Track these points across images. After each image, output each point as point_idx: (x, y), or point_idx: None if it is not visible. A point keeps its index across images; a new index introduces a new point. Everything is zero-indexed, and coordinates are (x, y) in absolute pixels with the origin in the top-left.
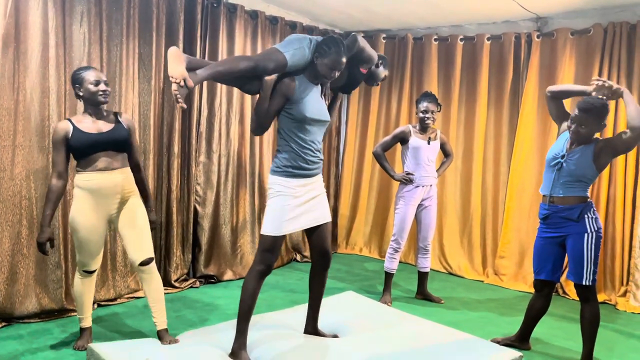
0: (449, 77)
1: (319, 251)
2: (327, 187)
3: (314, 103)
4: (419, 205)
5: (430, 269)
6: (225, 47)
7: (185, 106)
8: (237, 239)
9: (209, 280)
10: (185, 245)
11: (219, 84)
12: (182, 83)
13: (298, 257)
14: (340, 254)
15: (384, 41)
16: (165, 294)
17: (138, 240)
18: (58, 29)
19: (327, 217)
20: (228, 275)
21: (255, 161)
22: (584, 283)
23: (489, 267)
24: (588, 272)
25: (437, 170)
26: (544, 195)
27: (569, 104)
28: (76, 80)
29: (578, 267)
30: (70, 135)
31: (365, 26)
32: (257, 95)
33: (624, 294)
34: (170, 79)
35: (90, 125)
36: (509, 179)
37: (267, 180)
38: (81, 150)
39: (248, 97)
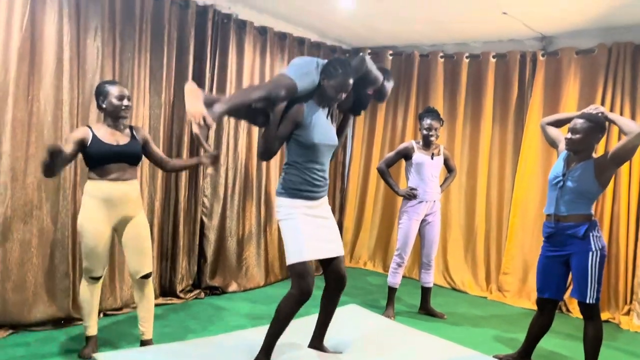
0: (455, 94)
1: (335, 277)
2: (333, 201)
3: (323, 127)
4: (423, 221)
5: (434, 284)
6: (235, 62)
7: (211, 149)
8: (242, 251)
9: (213, 291)
10: (191, 256)
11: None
12: (202, 122)
13: None
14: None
15: (391, 57)
16: (169, 304)
17: (141, 254)
18: (72, 42)
19: (342, 250)
20: (233, 287)
21: (262, 174)
22: (587, 301)
23: (493, 283)
24: (592, 291)
25: (441, 186)
26: (548, 215)
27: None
28: (101, 93)
29: (582, 285)
30: (89, 142)
31: (372, 42)
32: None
33: (628, 313)
34: (191, 118)
35: (108, 136)
36: (513, 195)
37: (274, 192)
38: (97, 159)
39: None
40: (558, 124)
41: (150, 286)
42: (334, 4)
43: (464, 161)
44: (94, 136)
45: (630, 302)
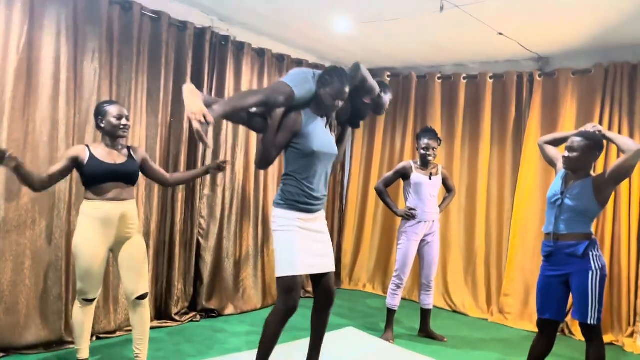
0: (452, 115)
1: (323, 290)
2: (331, 222)
3: (321, 136)
4: (422, 241)
5: (434, 307)
6: (233, 84)
7: (211, 146)
8: (239, 272)
9: (209, 314)
10: (187, 278)
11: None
12: (202, 119)
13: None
14: (344, 289)
15: (389, 79)
16: (165, 327)
17: (137, 275)
18: (70, 63)
19: (333, 266)
20: (229, 309)
21: (259, 195)
22: (589, 322)
23: (494, 305)
24: (593, 311)
25: (440, 206)
26: (547, 234)
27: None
28: (100, 112)
29: (583, 305)
30: (85, 160)
31: (369, 64)
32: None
33: (631, 335)
34: (190, 115)
35: (106, 155)
36: (513, 216)
37: (271, 213)
38: (94, 178)
39: (254, 133)
40: (556, 142)
41: (147, 307)
42: (332, 28)
43: (462, 182)
44: (91, 155)
45: (634, 323)
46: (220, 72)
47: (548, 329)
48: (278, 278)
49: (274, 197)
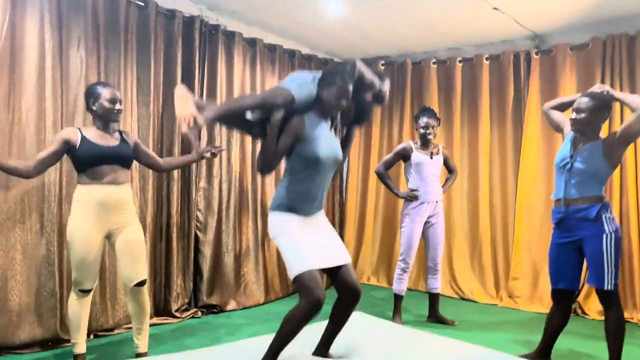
0: (450, 99)
1: (346, 288)
2: (332, 216)
3: (327, 140)
4: (426, 223)
5: (441, 295)
6: (225, 74)
7: (200, 150)
8: (240, 267)
9: (211, 310)
10: (186, 273)
11: None
12: (191, 123)
13: None
14: None
15: (383, 67)
16: (165, 324)
17: (135, 261)
18: (55, 52)
19: (348, 258)
20: (231, 305)
21: (257, 187)
22: (605, 288)
23: (503, 289)
24: (609, 276)
25: (442, 187)
26: (556, 200)
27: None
28: (92, 94)
29: (598, 270)
30: (78, 143)
31: (363, 53)
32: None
33: None
34: (179, 121)
35: (98, 137)
36: (517, 197)
37: (269, 203)
38: (87, 160)
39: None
40: (562, 107)
41: (146, 295)
42: (324, 12)
43: (464, 166)
44: (83, 137)
45: None
46: (211, 62)
47: (563, 300)
48: (294, 279)
49: (272, 188)
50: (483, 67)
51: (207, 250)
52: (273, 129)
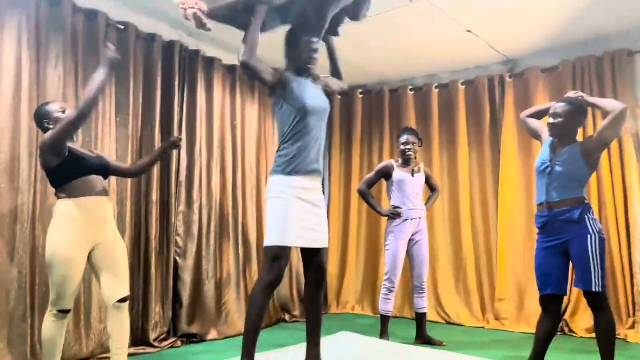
0: (428, 125)
1: (315, 268)
2: None
3: (312, 92)
4: (410, 241)
5: (428, 321)
6: (204, 98)
7: (212, 27)
8: (222, 295)
9: (191, 339)
10: (165, 300)
11: (198, 133)
12: (190, 16)
13: (287, 317)
14: (332, 314)
15: (361, 96)
16: (143, 354)
17: (118, 276)
18: (32, 70)
19: (327, 242)
20: (212, 334)
21: (238, 213)
22: (593, 289)
23: (489, 312)
24: (597, 277)
25: (425, 204)
26: (539, 205)
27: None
28: (43, 115)
29: (585, 272)
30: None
31: None
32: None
33: (633, 326)
34: (182, 4)
35: (78, 148)
36: (498, 218)
37: (252, 232)
38: (77, 171)
39: (229, 147)
40: (538, 115)
41: (126, 312)
42: None
43: (444, 189)
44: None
45: (634, 314)
46: (191, 86)
47: (551, 306)
48: (267, 247)
49: (253, 216)
50: (459, 92)
51: (187, 277)
52: (258, 15)
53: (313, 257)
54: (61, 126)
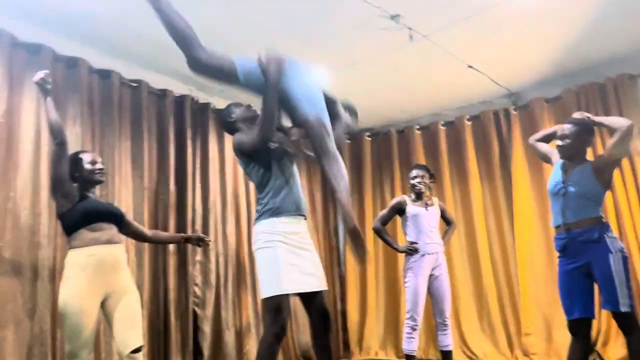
0: (437, 162)
1: (318, 314)
2: (332, 289)
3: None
4: (430, 276)
5: None
6: (217, 149)
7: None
8: (242, 344)
9: None
10: (186, 352)
11: (211, 183)
12: None
13: None
14: None
15: (369, 139)
16: None
17: (132, 326)
18: None
19: (325, 285)
20: None
21: (253, 260)
22: (621, 309)
23: (517, 348)
24: (623, 297)
25: (442, 238)
26: (557, 227)
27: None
28: (71, 163)
29: (611, 293)
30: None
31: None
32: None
33: None
34: None
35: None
36: (516, 249)
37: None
38: (85, 215)
39: (242, 195)
40: (547, 138)
41: None
42: None
43: (459, 224)
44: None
45: None
46: (202, 138)
47: (581, 330)
48: (265, 299)
49: None
50: (465, 128)
51: (206, 327)
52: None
53: (313, 302)
54: (52, 164)
